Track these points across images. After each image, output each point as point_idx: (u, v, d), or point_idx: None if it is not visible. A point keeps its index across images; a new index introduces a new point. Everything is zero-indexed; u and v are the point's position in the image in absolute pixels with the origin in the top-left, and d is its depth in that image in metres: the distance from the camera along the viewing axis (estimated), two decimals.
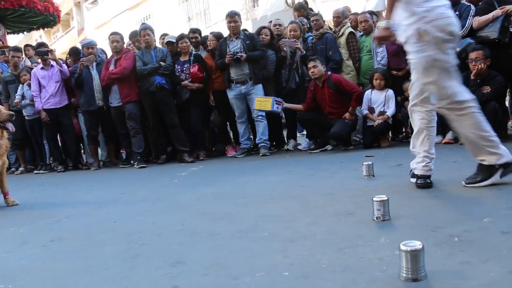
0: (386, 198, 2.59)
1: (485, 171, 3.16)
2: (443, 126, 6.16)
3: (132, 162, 7.21)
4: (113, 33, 7.26)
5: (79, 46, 8.44)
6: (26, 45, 9.67)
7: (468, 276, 1.73)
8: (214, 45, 7.16)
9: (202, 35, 7.89)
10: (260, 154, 6.76)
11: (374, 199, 2.60)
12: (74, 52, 8.00)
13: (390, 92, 6.41)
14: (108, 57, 7.64)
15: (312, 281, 1.84)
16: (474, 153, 3.21)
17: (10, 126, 4.46)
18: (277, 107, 6.55)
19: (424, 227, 2.41)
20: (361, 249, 2.15)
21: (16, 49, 8.33)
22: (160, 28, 13.39)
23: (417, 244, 1.75)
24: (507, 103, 6.35)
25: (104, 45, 8.66)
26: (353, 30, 6.98)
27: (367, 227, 2.50)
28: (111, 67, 7.01)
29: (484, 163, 3.15)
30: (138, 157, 7.08)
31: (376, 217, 2.58)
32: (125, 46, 7.47)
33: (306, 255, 2.14)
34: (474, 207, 2.74)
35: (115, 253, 2.51)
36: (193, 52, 7.18)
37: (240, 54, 6.61)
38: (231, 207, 3.39)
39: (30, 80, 7.52)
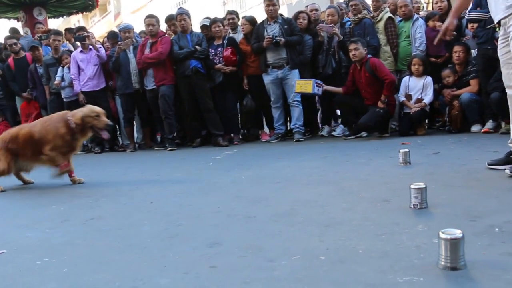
0: (424, 186, 2.55)
1: (509, 158, 3.33)
2: (482, 115, 6.02)
3: (166, 145, 7.30)
4: (148, 16, 7.30)
5: (116, 30, 8.56)
6: (66, 29, 9.86)
7: (509, 267, 1.70)
8: (247, 29, 7.12)
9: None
10: (295, 140, 6.74)
11: (412, 186, 2.57)
12: (112, 36, 8.13)
13: (429, 79, 6.28)
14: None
15: (349, 266, 1.84)
16: None
17: (106, 135, 4.53)
18: (318, 89, 6.50)
19: (462, 216, 2.37)
20: (398, 236, 2.13)
21: (57, 32, 8.50)
22: (195, 12, 13.42)
23: (457, 233, 1.72)
24: None
25: (140, 29, 8.74)
26: (391, 15, 6.83)
27: (404, 215, 2.48)
28: (147, 51, 7.08)
29: None
30: (170, 139, 7.19)
31: (413, 205, 2.56)
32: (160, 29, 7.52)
33: (342, 240, 2.14)
34: None
35: (152, 233, 2.57)
36: (228, 36, 7.18)
37: (279, 38, 6.57)
38: (266, 191, 3.41)
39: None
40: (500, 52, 3.34)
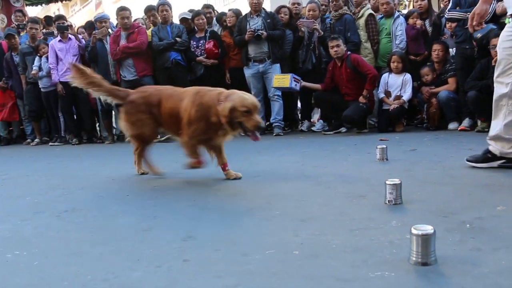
0: (399, 182, 2.57)
1: (487, 156, 3.36)
2: (459, 113, 6.11)
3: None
4: (122, 9, 7.19)
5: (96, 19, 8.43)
6: (46, 17, 9.66)
7: (478, 263, 1.73)
8: (233, 22, 7.10)
9: (220, 12, 7.84)
10: (274, 134, 6.75)
11: (387, 182, 2.59)
12: (89, 26, 8.01)
13: (408, 76, 6.35)
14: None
15: (322, 260, 1.84)
16: (492, 138, 3.34)
17: (255, 137, 3.36)
18: (296, 85, 6.50)
19: (436, 212, 2.40)
20: (372, 231, 2.15)
21: (34, 20, 8.34)
22: (176, 4, 13.29)
23: (429, 229, 1.74)
24: None
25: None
26: (372, 12, 6.88)
27: (379, 210, 2.50)
28: (123, 42, 6.99)
29: (490, 147, 3.34)
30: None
31: (388, 201, 2.58)
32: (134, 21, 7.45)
33: (316, 235, 2.14)
34: (488, 194, 2.72)
35: (127, 225, 2.54)
36: (208, 29, 7.15)
37: (261, 31, 6.56)
38: (243, 184, 3.41)
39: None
40: (503, 44, 3.24)
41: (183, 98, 3.56)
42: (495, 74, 3.29)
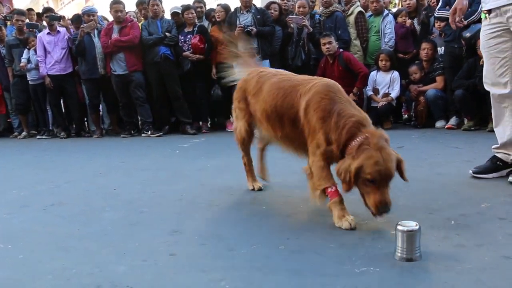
0: None
1: (496, 165, 3.09)
2: (446, 111, 6.16)
3: (144, 132, 7.15)
4: (116, 2, 7.09)
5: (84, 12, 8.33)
6: (29, 9, 9.49)
7: (462, 258, 1.75)
8: (222, 17, 7.06)
9: (208, 7, 7.81)
10: None
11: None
12: (76, 19, 7.90)
13: (396, 74, 6.38)
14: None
15: (307, 256, 1.86)
16: (501, 147, 3.08)
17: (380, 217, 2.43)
18: None
19: (421, 209, 2.43)
20: (358, 227, 2.17)
21: (20, 12, 8.20)
22: None
23: (414, 225, 1.76)
24: None
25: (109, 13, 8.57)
26: (362, 10, 6.90)
27: (364, 206, 2.51)
28: (115, 35, 6.94)
29: (499, 155, 3.07)
30: (150, 125, 7.09)
31: None
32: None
33: (302, 230, 2.16)
34: (473, 192, 2.75)
35: (114, 219, 2.54)
36: (198, 24, 7.11)
37: (250, 27, 6.55)
38: (231, 179, 3.41)
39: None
40: (486, 44, 3.01)
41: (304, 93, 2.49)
42: (486, 77, 3.06)
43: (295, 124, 2.48)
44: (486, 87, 3.09)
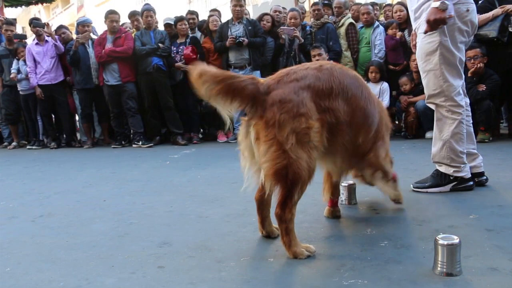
0: (353, 183, 2.79)
1: (438, 178, 3.08)
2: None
3: (135, 142, 7.13)
4: (112, 12, 7.16)
5: (79, 23, 8.34)
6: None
7: None
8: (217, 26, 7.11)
9: (201, 18, 7.84)
10: None
11: (342, 184, 2.73)
12: (58, 28, 7.93)
13: (385, 85, 6.43)
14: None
15: (296, 268, 1.86)
16: (436, 158, 3.09)
17: None
18: None
19: (410, 220, 2.44)
20: (348, 239, 2.17)
21: (9, 22, 8.18)
22: (160, 9, 13.27)
23: (455, 238, 1.75)
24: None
25: (103, 23, 8.57)
26: (353, 21, 6.96)
27: (355, 218, 2.52)
28: (108, 45, 6.95)
29: (441, 169, 3.07)
30: (141, 136, 7.08)
31: (341, 200, 2.75)
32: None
33: None
34: (461, 204, 2.76)
35: (103, 231, 2.52)
36: (190, 35, 7.14)
37: (242, 38, 6.58)
38: (221, 191, 3.40)
39: None
40: (425, 58, 3.06)
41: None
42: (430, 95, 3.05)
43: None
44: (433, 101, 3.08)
